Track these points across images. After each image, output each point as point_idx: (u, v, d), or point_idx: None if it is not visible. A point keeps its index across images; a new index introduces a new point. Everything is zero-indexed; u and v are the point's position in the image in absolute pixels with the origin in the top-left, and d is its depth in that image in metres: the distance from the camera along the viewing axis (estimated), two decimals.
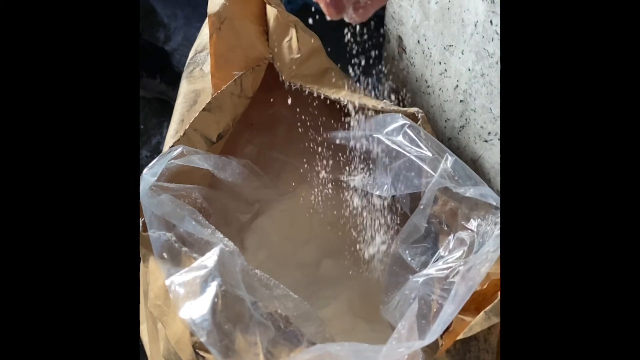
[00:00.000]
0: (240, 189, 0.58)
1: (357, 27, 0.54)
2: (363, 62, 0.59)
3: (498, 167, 0.58)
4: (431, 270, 0.46)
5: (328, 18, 0.35)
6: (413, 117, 0.53)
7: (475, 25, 0.52)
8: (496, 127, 0.55)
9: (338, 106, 0.56)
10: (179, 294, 0.39)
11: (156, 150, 0.97)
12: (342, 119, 0.56)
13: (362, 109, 0.56)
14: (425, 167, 0.49)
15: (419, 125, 0.52)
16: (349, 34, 0.56)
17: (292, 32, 0.56)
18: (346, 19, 0.36)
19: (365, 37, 0.58)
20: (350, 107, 0.55)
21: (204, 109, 0.53)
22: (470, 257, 0.45)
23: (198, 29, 0.69)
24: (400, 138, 0.51)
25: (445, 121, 0.65)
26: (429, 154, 0.49)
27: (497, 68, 0.51)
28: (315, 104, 0.57)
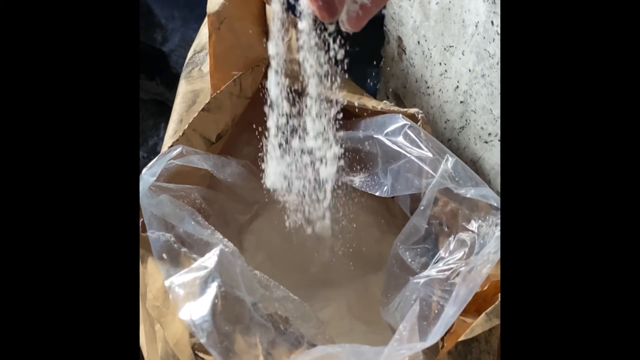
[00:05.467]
0: (240, 190, 0.58)
1: None
2: (362, 63, 0.59)
3: (498, 168, 0.58)
4: (432, 272, 0.46)
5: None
6: (413, 117, 0.53)
7: (476, 25, 0.52)
8: (496, 128, 0.55)
9: (338, 107, 0.56)
10: (178, 295, 0.38)
11: (153, 152, 0.97)
12: (342, 119, 0.56)
13: (361, 109, 0.55)
14: (425, 167, 0.49)
15: (419, 126, 0.52)
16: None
17: (292, 32, 0.56)
18: (342, 28, 0.36)
19: (365, 37, 0.58)
20: (349, 107, 0.55)
21: (203, 109, 0.53)
22: (471, 258, 0.45)
23: (195, 30, 0.69)
24: (400, 139, 0.51)
25: (445, 122, 0.65)
26: (430, 154, 0.49)
27: (498, 69, 0.51)
28: (314, 104, 0.57)
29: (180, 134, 0.51)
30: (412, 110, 0.53)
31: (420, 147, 0.50)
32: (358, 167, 0.58)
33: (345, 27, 0.35)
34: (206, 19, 0.55)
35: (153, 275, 0.44)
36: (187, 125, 0.52)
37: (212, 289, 0.39)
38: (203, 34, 0.65)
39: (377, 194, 0.55)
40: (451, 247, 0.48)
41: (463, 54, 0.56)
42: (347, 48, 0.44)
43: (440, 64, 0.61)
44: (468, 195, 0.47)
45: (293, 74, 0.57)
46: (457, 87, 0.60)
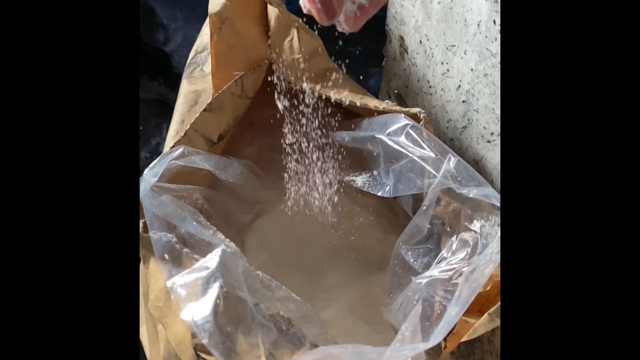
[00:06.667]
0: (241, 190, 0.58)
1: None
2: (364, 63, 0.59)
3: None
4: (434, 272, 0.46)
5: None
6: (415, 117, 0.53)
7: (478, 25, 0.52)
8: (499, 127, 0.55)
9: (340, 107, 0.56)
10: (180, 295, 0.38)
11: (155, 152, 0.96)
12: (344, 119, 0.56)
13: (363, 109, 0.55)
14: (428, 167, 0.49)
15: (421, 125, 0.52)
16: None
17: (294, 32, 0.56)
18: (339, 29, 0.35)
19: (367, 37, 0.58)
20: (351, 107, 0.55)
21: (204, 110, 0.53)
22: (474, 258, 0.45)
23: (197, 30, 0.69)
24: (402, 138, 0.51)
25: (448, 122, 0.65)
26: (432, 154, 0.49)
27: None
28: (316, 104, 0.57)
29: (182, 135, 0.51)
30: (414, 110, 0.53)
31: (422, 147, 0.50)
32: (360, 167, 0.58)
33: (342, 28, 0.35)
34: (208, 19, 0.55)
35: (155, 276, 0.44)
36: (188, 126, 0.52)
37: (214, 290, 0.39)
38: (205, 34, 0.64)
39: (379, 194, 0.55)
40: (454, 247, 0.48)
41: (465, 53, 0.56)
42: (349, 48, 0.44)
43: (442, 63, 0.61)
44: (470, 195, 0.47)
45: (295, 73, 0.57)
46: (460, 86, 0.59)
